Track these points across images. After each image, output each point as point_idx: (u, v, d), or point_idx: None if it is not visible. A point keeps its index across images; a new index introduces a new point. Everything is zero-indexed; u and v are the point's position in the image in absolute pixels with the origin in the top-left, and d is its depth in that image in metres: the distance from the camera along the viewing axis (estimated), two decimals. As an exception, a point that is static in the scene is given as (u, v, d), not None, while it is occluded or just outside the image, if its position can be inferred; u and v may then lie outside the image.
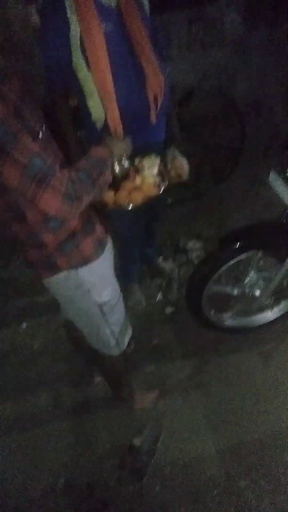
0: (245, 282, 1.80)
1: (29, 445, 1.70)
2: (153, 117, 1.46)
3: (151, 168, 1.27)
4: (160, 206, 2.08)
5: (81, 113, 1.47)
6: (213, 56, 3.13)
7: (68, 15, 1.24)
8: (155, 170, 1.28)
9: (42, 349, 2.07)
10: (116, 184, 1.24)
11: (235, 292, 1.84)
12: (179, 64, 3.00)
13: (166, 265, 2.37)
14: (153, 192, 1.28)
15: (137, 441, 1.62)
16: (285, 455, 1.59)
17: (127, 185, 1.24)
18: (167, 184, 1.33)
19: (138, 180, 1.25)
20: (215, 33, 3.17)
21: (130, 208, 1.28)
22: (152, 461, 1.59)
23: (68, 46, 1.28)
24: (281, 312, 1.95)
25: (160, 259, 2.39)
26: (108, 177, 1.09)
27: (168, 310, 2.18)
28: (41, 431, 1.74)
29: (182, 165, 1.43)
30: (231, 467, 1.57)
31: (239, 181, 2.90)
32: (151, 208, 1.85)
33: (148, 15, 1.47)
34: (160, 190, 1.29)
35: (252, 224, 1.64)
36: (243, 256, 1.63)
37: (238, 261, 1.66)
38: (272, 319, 1.95)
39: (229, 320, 1.95)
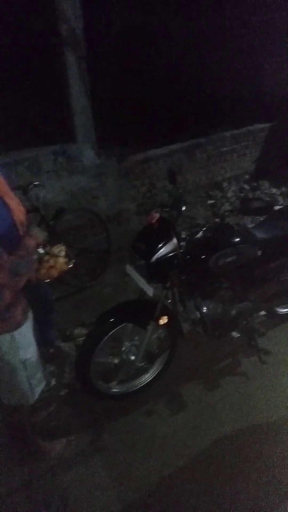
0: (122, 350, 2.26)
1: None
2: (23, 233, 1.81)
3: (60, 252, 1.74)
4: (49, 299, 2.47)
5: None
6: (76, 181, 3.96)
7: None
8: (63, 253, 1.76)
9: None
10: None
11: (116, 360, 2.26)
12: (51, 187, 3.70)
13: (57, 351, 2.68)
14: (64, 268, 1.76)
15: (47, 513, 1.78)
16: (181, 495, 1.90)
17: (45, 265, 1.70)
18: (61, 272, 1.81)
19: (52, 261, 1.71)
20: (77, 163, 4.06)
21: (48, 280, 1.74)
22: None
23: None
24: (155, 373, 2.41)
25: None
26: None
27: (63, 391, 2.45)
28: None
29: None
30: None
31: (111, 276, 3.53)
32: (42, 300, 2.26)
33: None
34: (68, 266, 1.78)
35: (119, 304, 2.17)
36: (116, 329, 2.10)
37: (114, 334, 2.13)
38: (149, 380, 2.40)
39: (115, 387, 2.32)
